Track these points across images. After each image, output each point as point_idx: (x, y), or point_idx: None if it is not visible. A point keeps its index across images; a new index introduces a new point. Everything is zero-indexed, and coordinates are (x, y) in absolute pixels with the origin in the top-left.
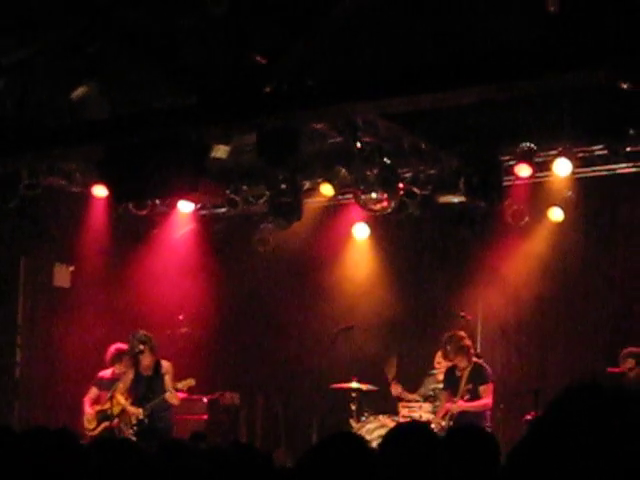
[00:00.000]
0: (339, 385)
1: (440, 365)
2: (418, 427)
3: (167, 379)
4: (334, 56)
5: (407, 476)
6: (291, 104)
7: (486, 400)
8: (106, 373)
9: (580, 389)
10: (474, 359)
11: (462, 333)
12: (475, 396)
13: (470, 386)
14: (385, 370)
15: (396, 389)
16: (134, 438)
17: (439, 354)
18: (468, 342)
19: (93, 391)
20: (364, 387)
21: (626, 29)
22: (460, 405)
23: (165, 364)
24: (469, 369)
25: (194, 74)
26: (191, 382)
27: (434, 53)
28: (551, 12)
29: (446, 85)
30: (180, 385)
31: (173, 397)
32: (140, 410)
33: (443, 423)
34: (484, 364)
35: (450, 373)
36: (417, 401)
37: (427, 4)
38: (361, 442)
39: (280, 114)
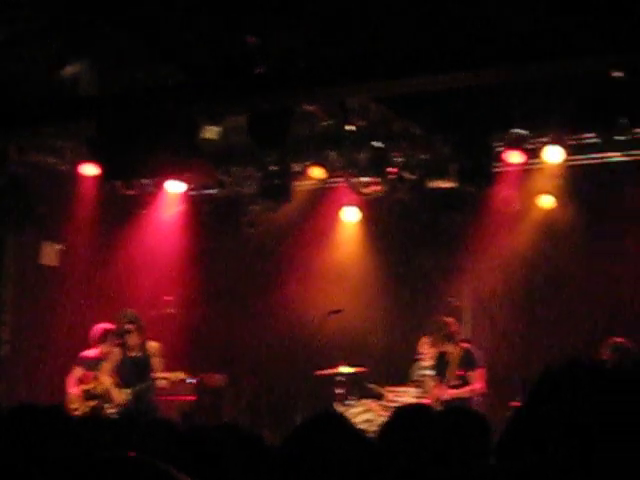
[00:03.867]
0: (323, 372)
1: (424, 350)
2: (422, 409)
3: (156, 361)
4: (326, 39)
5: (412, 457)
6: (282, 86)
7: (475, 385)
8: (90, 353)
9: (563, 366)
10: (463, 345)
11: (449, 319)
12: (465, 382)
13: (461, 372)
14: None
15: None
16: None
17: (422, 340)
18: (454, 328)
19: (77, 371)
20: (351, 370)
21: (621, 18)
22: (450, 393)
23: (153, 345)
24: (459, 355)
25: (184, 53)
26: (180, 375)
27: (426, 37)
28: None
29: (437, 69)
30: (169, 376)
31: (163, 382)
32: (124, 394)
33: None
34: (473, 349)
35: (440, 359)
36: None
37: None
38: (344, 421)
39: (271, 96)
